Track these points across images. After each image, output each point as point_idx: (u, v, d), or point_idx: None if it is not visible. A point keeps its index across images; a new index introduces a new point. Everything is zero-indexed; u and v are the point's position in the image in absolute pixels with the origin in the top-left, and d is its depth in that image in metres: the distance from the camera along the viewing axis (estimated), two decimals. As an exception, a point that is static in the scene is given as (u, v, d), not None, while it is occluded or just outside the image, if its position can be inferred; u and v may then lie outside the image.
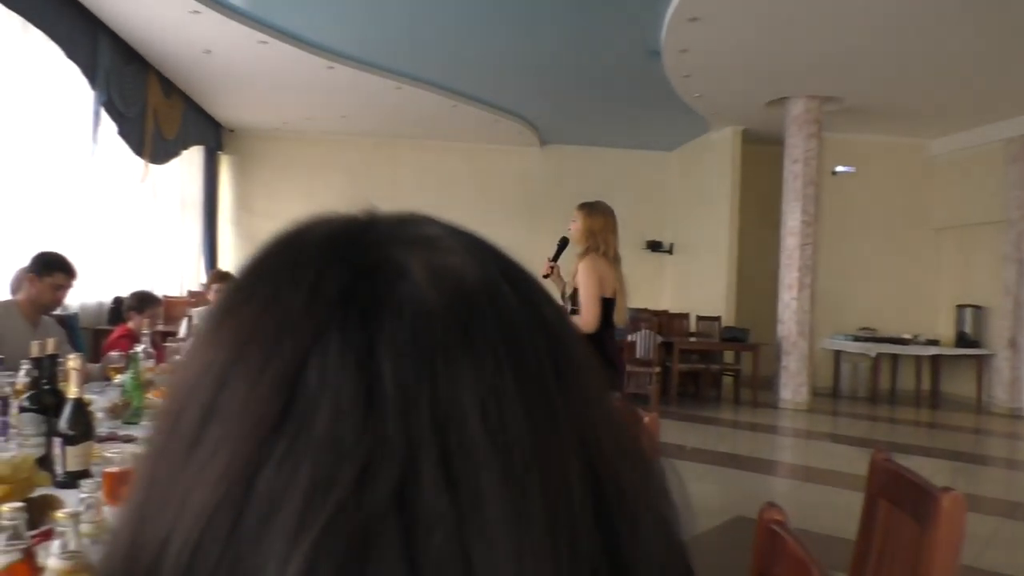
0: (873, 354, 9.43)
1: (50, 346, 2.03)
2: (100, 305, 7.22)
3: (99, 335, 6.58)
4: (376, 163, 11.25)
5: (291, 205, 10.97)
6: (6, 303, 3.59)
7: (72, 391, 1.84)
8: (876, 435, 7.35)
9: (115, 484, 1.54)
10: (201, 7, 6.33)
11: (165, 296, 8.11)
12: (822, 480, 5.44)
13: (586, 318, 3.59)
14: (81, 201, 6.75)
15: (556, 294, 4.08)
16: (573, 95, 8.96)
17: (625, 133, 10.79)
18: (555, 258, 4.02)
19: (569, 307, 3.81)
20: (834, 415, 8.60)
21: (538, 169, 11.45)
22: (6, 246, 5.45)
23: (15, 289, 3.63)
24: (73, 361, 1.86)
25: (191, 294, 9.10)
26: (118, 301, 6.73)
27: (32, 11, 5.56)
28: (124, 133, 7.30)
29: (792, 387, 8.54)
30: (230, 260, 11.04)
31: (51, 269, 3.56)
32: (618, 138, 11.06)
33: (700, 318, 9.91)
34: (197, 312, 4.84)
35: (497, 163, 11.38)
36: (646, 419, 1.83)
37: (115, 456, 1.56)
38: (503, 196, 11.29)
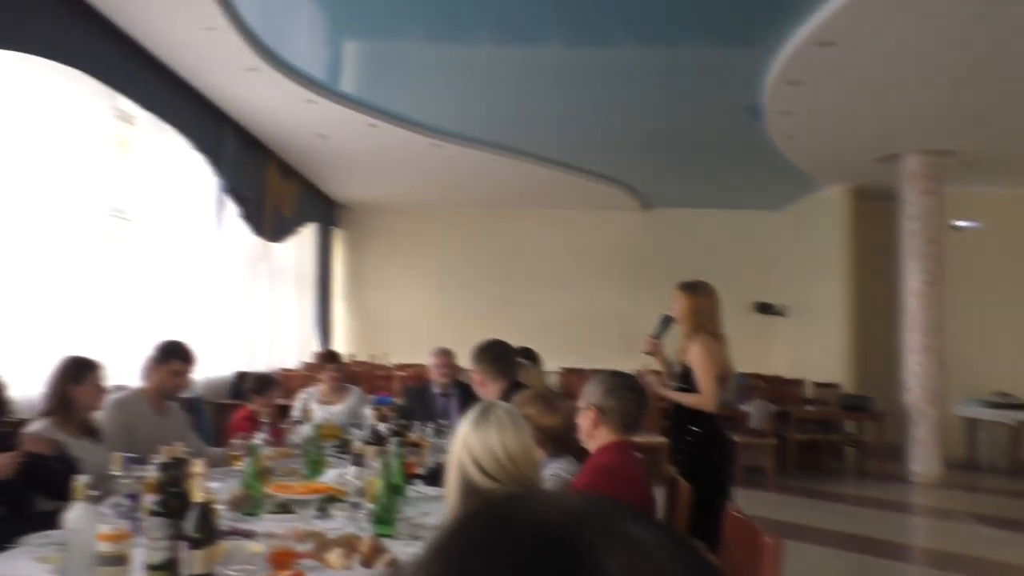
0: (1013, 422, 8.74)
1: (177, 450, 2.11)
2: (223, 380, 7.44)
3: (222, 410, 6.76)
4: (479, 233, 11.48)
5: (400, 278, 11.61)
6: (135, 392, 3.70)
7: (198, 495, 1.91)
8: (1022, 514, 6.77)
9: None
10: (316, 97, 6.71)
11: (282, 370, 8.80)
12: (964, 568, 5.00)
13: (708, 399, 3.55)
14: (207, 280, 7.08)
15: (663, 368, 4.02)
16: (674, 158, 8.88)
17: (729, 194, 10.58)
18: (657, 335, 3.95)
19: (676, 385, 3.75)
20: (972, 490, 7.97)
21: (640, 233, 11.31)
22: (142, 329, 5.71)
23: (144, 377, 3.76)
24: (198, 466, 1.95)
25: (306, 367, 9.38)
26: (240, 376, 7.25)
27: (165, 110, 5.99)
28: (246, 215, 7.71)
29: (923, 459, 7.95)
30: (343, 333, 11.45)
31: (169, 357, 3.68)
32: (722, 199, 10.84)
33: (817, 384, 9.46)
34: (309, 393, 4.94)
35: (598, 229, 11.35)
36: (767, 541, 1.74)
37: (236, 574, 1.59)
38: (605, 261, 11.26)
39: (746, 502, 6.07)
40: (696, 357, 3.57)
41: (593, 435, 2.33)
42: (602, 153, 8.80)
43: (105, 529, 1.87)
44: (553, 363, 7.71)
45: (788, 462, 7.92)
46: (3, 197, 4.23)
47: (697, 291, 3.70)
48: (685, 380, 3.66)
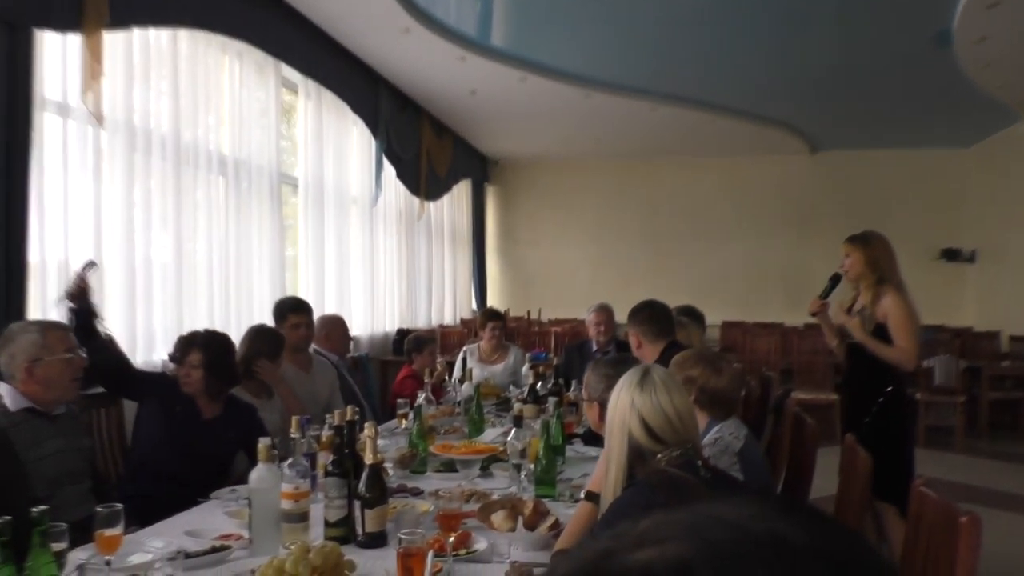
0: None
1: (348, 414, 2.20)
2: (386, 336, 7.69)
3: (387, 366, 7.16)
4: (631, 184, 11.22)
5: (553, 232, 11.54)
6: None
7: (369, 457, 2.00)
8: None
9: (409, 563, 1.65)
10: (467, 53, 6.73)
11: (440, 326, 9.18)
12: None
13: (909, 354, 3.37)
14: (369, 241, 7.27)
15: (828, 330, 3.78)
16: (846, 95, 8.26)
17: (909, 132, 9.72)
18: (825, 295, 3.72)
19: (845, 340, 3.57)
20: None
21: (807, 179, 10.69)
22: (313, 292, 5.91)
23: None
24: (369, 429, 2.04)
25: (463, 323, 9.80)
26: (401, 332, 7.47)
27: (326, 75, 6.20)
28: (402, 175, 7.83)
29: None
30: (497, 289, 11.56)
31: (284, 313, 3.85)
32: (900, 137, 9.98)
33: (1014, 338, 8.67)
34: (469, 350, 5.08)
35: (761, 175, 10.82)
36: (963, 520, 1.59)
37: (407, 537, 1.66)
38: (769, 210, 10.79)
39: (931, 465, 5.81)
40: (893, 309, 3.37)
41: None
42: (766, 94, 8.32)
43: (287, 488, 1.97)
44: (713, 317, 7.29)
45: (979, 422, 7.37)
46: (183, 175, 4.45)
47: (870, 242, 3.49)
48: (879, 337, 3.44)
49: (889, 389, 3.38)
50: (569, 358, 4.86)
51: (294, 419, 2.21)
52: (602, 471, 1.81)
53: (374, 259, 7.42)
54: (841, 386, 4.19)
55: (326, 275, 6.32)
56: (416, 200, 8.44)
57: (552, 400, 3.48)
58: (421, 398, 3.45)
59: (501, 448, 2.91)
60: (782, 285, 10.40)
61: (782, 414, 3.47)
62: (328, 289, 6.28)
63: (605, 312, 4.78)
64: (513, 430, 2.59)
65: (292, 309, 3.87)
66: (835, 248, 3.83)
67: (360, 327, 7.01)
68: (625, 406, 1.70)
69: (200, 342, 2.93)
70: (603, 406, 1.98)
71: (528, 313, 9.85)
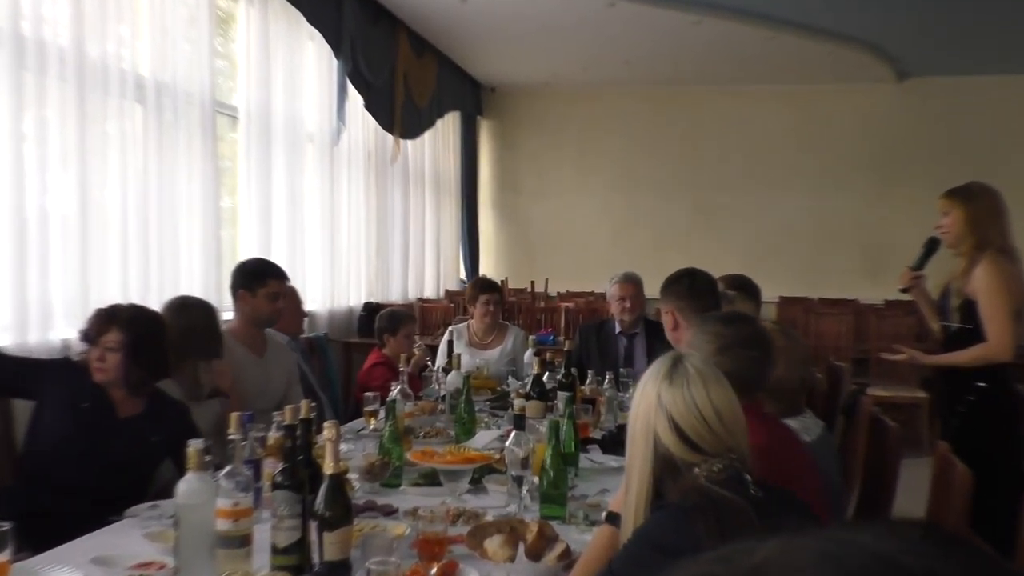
0: None
1: (304, 410, 2.18)
2: (351, 312, 7.71)
3: (351, 350, 7.23)
4: (668, 118, 11.13)
5: (565, 180, 11.41)
6: (224, 333, 3.73)
7: (329, 466, 1.97)
8: None
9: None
10: (455, -53, 6.69)
11: (420, 300, 9.23)
12: None
13: (1000, 342, 3.35)
14: (327, 189, 7.23)
15: (925, 307, 3.79)
16: (945, 9, 8.20)
17: (1025, 54, 9.73)
18: (919, 266, 3.73)
19: (956, 324, 3.55)
20: None
21: (893, 113, 10.56)
22: (257, 254, 5.68)
23: (235, 310, 3.93)
24: (330, 430, 2.00)
25: (449, 296, 9.77)
26: (370, 308, 7.43)
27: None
28: (372, 105, 7.74)
29: None
30: (492, 253, 11.56)
31: (261, 278, 3.83)
32: (1014, 61, 9.87)
33: None
34: (456, 331, 5.07)
35: (834, 109, 10.74)
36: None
37: (377, 568, 1.63)
38: (842, 153, 10.71)
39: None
40: (983, 284, 3.38)
41: None
42: (841, 4, 8.24)
43: (224, 504, 1.94)
44: (769, 291, 7.32)
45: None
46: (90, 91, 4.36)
47: (973, 196, 3.49)
48: (967, 318, 3.46)
49: (982, 386, 3.38)
50: (585, 342, 4.85)
51: (233, 416, 2.21)
52: (624, 487, 1.82)
53: (335, 213, 7.40)
54: (930, 381, 4.21)
55: (273, 233, 6.29)
56: (390, 138, 8.38)
57: (563, 395, 3.49)
58: (395, 391, 3.47)
59: (497, 456, 2.94)
60: (858, 250, 10.42)
61: (855, 415, 3.48)
62: (276, 250, 6.17)
63: (632, 284, 4.75)
64: (512, 433, 2.61)
65: (276, 274, 3.89)
66: (929, 203, 3.81)
67: (317, 301, 7.01)
68: (650, 403, 1.70)
69: (123, 318, 2.91)
70: None
71: (532, 284, 9.82)
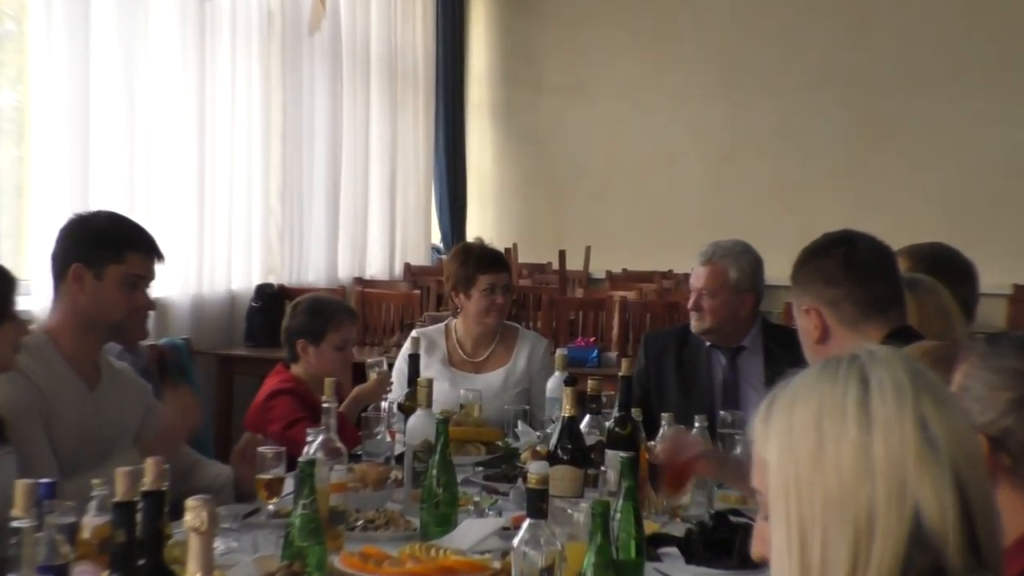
0: None
1: (149, 475, 2.20)
2: (231, 301, 7.46)
3: (231, 368, 7.13)
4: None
5: (622, 71, 10.93)
6: (36, 339, 3.57)
7: (191, 572, 1.99)
8: None
9: None
10: None
11: (359, 283, 8.79)
12: None
13: None
14: (193, 85, 6.88)
15: None
16: None
17: None
18: None
19: None
20: None
21: None
22: (60, 195, 5.77)
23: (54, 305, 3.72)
24: (195, 514, 1.96)
25: (412, 276, 9.47)
26: (268, 296, 7.43)
27: None
28: None
29: None
30: (492, 201, 11.46)
31: (119, 248, 3.61)
32: None
33: None
34: (426, 337, 5.08)
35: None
36: None
37: None
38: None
39: None
40: None
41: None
42: None
43: None
44: (994, 277, 6.93)
45: None
46: None
47: None
48: None
49: None
50: (656, 361, 4.85)
51: (20, 486, 2.28)
52: None
53: (205, 122, 7.09)
54: None
55: (91, 154, 6.02)
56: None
57: (615, 456, 3.46)
58: (313, 444, 3.44)
59: (496, 565, 2.97)
60: None
61: None
62: (93, 187, 6.00)
63: (709, 267, 4.63)
64: (525, 524, 2.56)
65: (141, 244, 3.69)
66: None
67: (172, 282, 6.71)
68: (899, 446, 1.51)
69: None
70: (999, 446, 2.00)
71: (562, 258, 9.57)
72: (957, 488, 1.51)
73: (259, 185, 7.88)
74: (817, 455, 1.56)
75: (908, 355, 1.72)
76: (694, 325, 4.70)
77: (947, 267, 4.06)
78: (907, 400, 1.55)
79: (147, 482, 2.17)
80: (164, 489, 2.21)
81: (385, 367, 4.87)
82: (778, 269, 3.68)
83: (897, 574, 1.50)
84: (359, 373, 5.17)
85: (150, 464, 2.20)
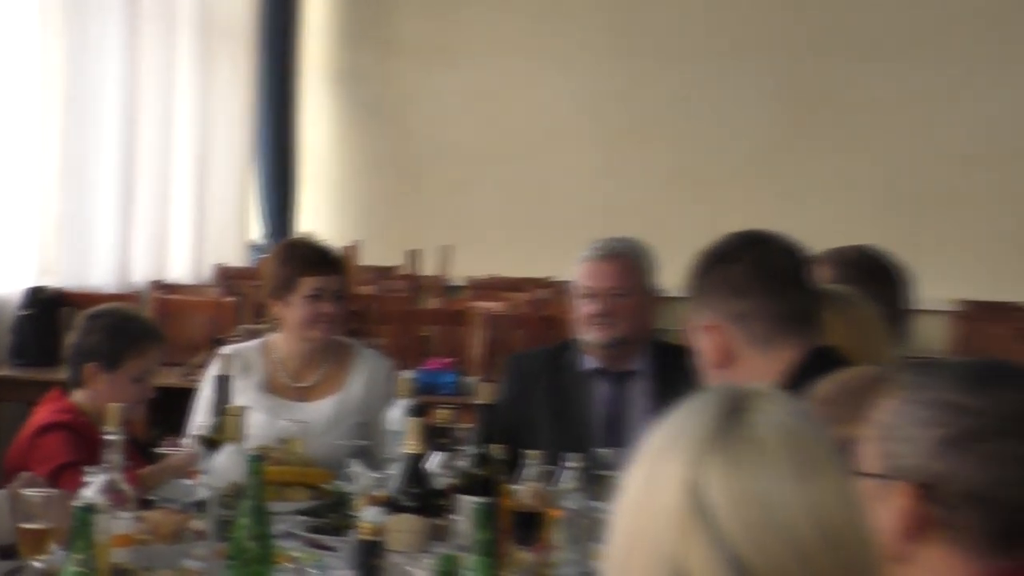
0: None
1: None
2: None
3: None
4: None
5: (496, 30, 11.40)
6: None
7: None
8: None
9: None
10: None
11: (157, 287, 9.06)
12: None
13: None
14: None
15: None
16: None
17: None
18: None
19: None
20: None
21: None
22: None
23: None
24: None
25: (225, 279, 9.59)
26: (42, 302, 7.69)
27: None
28: None
29: None
30: (328, 189, 11.68)
31: None
32: None
33: None
34: (243, 355, 5.09)
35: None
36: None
37: None
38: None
39: None
40: None
41: (905, 558, 2.08)
42: None
43: None
44: (936, 288, 7.39)
45: None
46: None
47: None
48: None
49: None
50: (523, 388, 4.93)
51: None
52: None
53: None
54: None
55: None
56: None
57: (469, 503, 3.47)
58: (95, 484, 3.46)
59: None
60: None
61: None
62: None
63: (616, 265, 4.79)
64: None
65: None
66: None
67: None
68: (670, 500, 1.59)
69: None
70: (929, 494, 2.01)
71: (413, 259, 10.11)
72: (728, 552, 1.61)
73: (32, 163, 7.97)
74: (639, 494, 1.72)
75: (803, 406, 1.88)
76: (601, 335, 4.77)
77: (877, 277, 4.28)
78: (694, 459, 1.66)
79: None
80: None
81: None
82: (682, 276, 3.70)
83: None
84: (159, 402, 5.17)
85: None
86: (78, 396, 4.64)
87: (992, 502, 1.98)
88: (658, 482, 1.65)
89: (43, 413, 4.68)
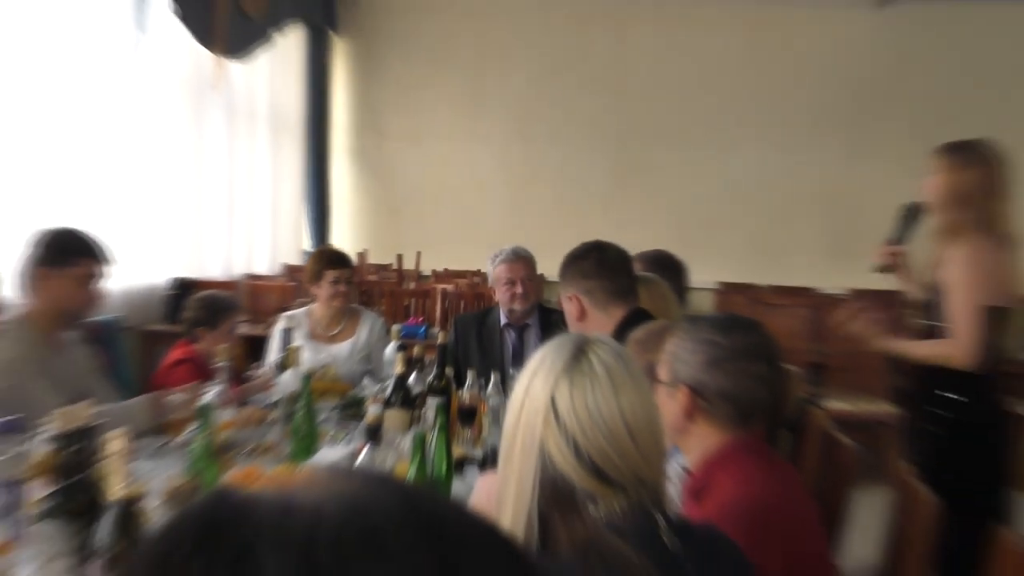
0: None
1: (81, 413, 2.14)
2: (151, 292, 7.60)
3: (151, 341, 7.16)
4: (581, 47, 11.06)
5: (446, 121, 11.30)
6: (13, 322, 3.69)
7: (116, 489, 1.92)
8: None
9: None
10: None
11: (249, 278, 9.16)
12: None
13: (963, 343, 3.44)
14: (119, 127, 6.97)
15: (911, 292, 3.82)
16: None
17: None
18: (899, 238, 3.82)
19: (925, 320, 3.65)
20: None
21: (871, 44, 10.52)
22: (19, 216, 5.68)
23: (26, 294, 3.77)
24: (117, 442, 1.95)
25: (288, 271, 9.69)
26: (181, 286, 7.54)
27: None
28: (184, 11, 7.43)
29: None
30: (347, 219, 11.51)
31: (71, 255, 3.70)
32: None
33: None
34: (294, 319, 5.12)
35: (796, 38, 10.64)
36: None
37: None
38: (806, 95, 10.63)
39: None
40: (957, 271, 3.46)
41: (685, 431, 2.32)
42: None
43: None
44: (704, 275, 7.73)
45: None
46: None
47: (970, 158, 3.53)
48: (930, 314, 3.59)
49: (957, 400, 3.50)
50: (463, 336, 5.04)
51: None
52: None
53: (132, 158, 7.20)
54: (903, 393, 4.23)
55: (48, 188, 6.11)
56: (210, 57, 8.14)
57: (434, 401, 3.50)
58: (211, 392, 3.53)
59: None
60: (820, 223, 10.49)
61: (804, 431, 3.60)
62: (45, 202, 6.06)
63: (524, 263, 4.92)
64: (367, 447, 2.65)
65: (90, 252, 3.77)
66: (913, 164, 3.86)
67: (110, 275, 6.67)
68: (539, 404, 1.69)
69: None
70: (697, 393, 2.20)
71: (400, 260, 9.94)
72: (563, 432, 1.67)
73: (174, 202, 7.97)
74: (521, 396, 1.77)
75: (621, 348, 1.86)
76: (520, 304, 4.89)
77: (666, 265, 4.40)
78: (553, 380, 1.72)
79: (80, 419, 2.14)
80: (94, 424, 2.18)
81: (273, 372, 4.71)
82: (553, 267, 3.85)
83: (533, 496, 1.69)
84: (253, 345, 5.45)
85: (83, 407, 2.18)
86: (197, 345, 4.67)
87: (734, 398, 2.17)
88: (533, 392, 1.73)
89: (176, 353, 4.72)
